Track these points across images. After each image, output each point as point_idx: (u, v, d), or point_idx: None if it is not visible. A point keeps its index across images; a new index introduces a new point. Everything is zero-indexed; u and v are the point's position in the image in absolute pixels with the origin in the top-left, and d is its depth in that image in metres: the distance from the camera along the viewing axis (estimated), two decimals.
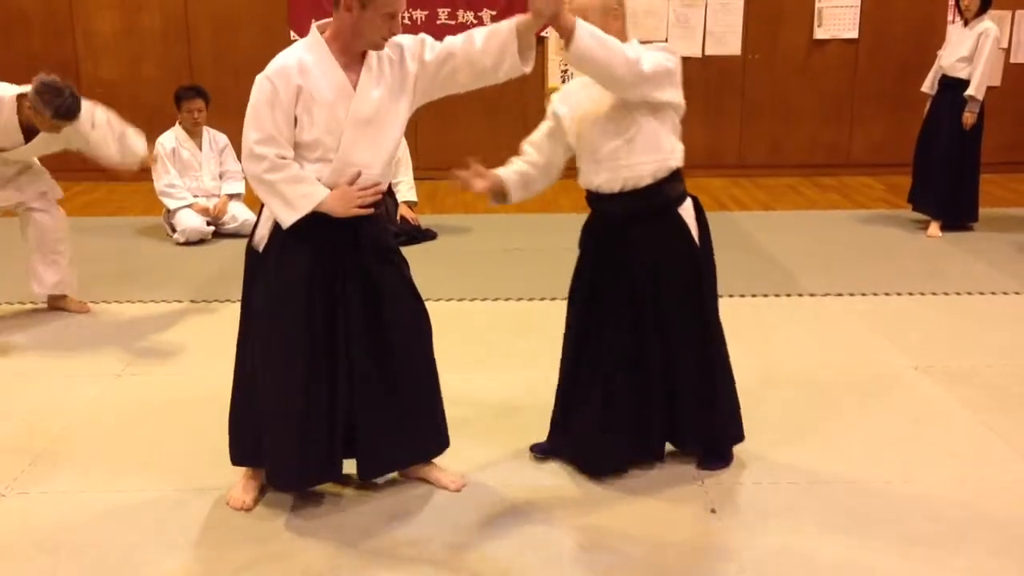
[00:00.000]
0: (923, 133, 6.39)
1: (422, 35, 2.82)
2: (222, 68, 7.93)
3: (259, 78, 2.68)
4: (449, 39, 2.80)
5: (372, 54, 2.73)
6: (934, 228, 6.20)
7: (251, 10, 7.89)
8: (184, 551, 2.70)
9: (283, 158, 2.66)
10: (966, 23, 6.06)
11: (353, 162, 2.71)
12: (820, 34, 8.10)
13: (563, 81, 8.12)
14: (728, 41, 8.07)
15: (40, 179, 4.75)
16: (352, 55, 2.71)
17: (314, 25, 2.75)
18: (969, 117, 6.00)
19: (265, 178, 2.65)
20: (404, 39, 2.78)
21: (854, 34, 8.08)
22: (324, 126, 2.68)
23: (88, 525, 2.83)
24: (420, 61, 2.78)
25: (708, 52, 8.06)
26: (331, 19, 2.72)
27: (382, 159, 2.78)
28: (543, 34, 8.06)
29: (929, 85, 6.33)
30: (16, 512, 2.91)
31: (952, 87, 6.08)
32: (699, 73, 8.08)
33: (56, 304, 4.80)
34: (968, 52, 5.98)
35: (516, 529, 2.79)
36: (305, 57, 2.68)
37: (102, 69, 8.06)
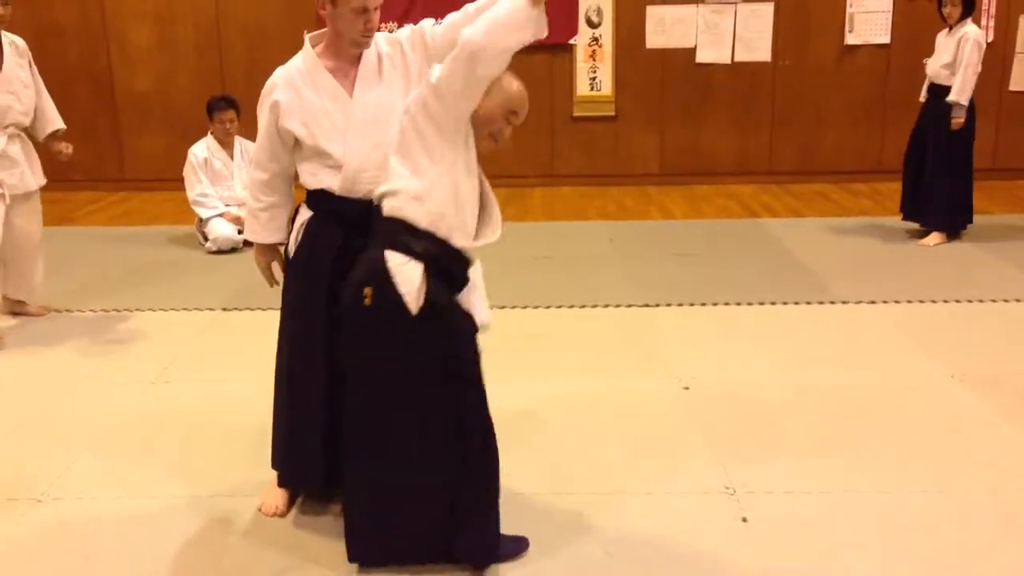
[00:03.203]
0: (913, 142, 6.29)
1: (422, 23, 2.72)
2: (253, 79, 7.93)
3: None
4: (451, 17, 2.66)
5: (370, 55, 2.70)
6: (934, 237, 6.10)
7: (281, 22, 7.96)
8: (217, 557, 2.72)
9: (256, 182, 2.86)
10: (950, 29, 6.02)
11: (362, 168, 2.67)
12: (851, 39, 8.03)
13: (591, 88, 8.12)
14: (758, 47, 8.02)
15: (29, 167, 4.65)
16: (345, 58, 2.69)
17: (306, 36, 2.75)
18: (956, 122, 5.92)
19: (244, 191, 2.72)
20: (403, 32, 2.74)
21: (886, 39, 8.01)
22: (322, 134, 2.67)
23: (122, 531, 2.86)
24: (422, 48, 2.69)
25: (738, 58, 8.01)
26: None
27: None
28: (571, 41, 8.09)
29: (923, 94, 6.26)
30: (51, 517, 2.95)
31: (939, 95, 6.01)
32: (728, 79, 8.05)
33: (16, 309, 4.87)
34: (951, 58, 5.92)
35: (540, 534, 2.78)
36: (293, 67, 2.72)
37: (136, 80, 8.16)
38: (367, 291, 2.40)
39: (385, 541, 2.59)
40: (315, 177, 2.73)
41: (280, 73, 2.76)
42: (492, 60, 2.33)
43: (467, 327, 2.55)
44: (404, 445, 2.51)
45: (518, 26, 2.33)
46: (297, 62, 2.75)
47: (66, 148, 4.80)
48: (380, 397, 2.50)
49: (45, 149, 4.80)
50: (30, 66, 4.69)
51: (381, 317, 2.42)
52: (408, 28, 2.75)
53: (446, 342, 2.46)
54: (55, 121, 4.80)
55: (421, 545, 2.60)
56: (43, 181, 4.79)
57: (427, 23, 2.72)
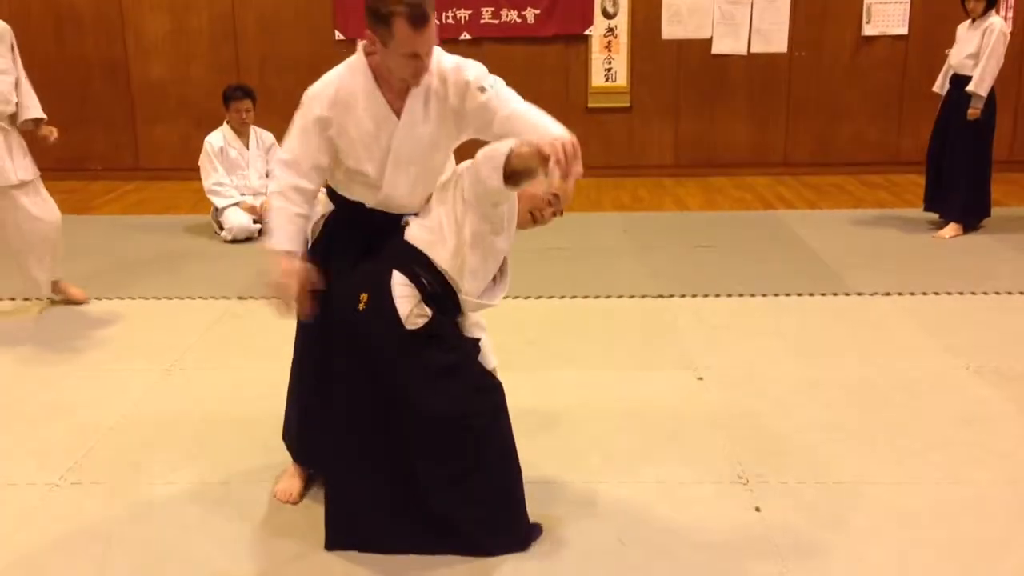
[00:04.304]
0: (935, 133, 6.28)
1: (472, 77, 2.58)
2: (269, 68, 8.02)
3: (304, 97, 2.62)
4: (496, 102, 2.57)
5: (417, 89, 2.59)
6: (950, 229, 6.08)
7: (297, 10, 7.96)
8: (232, 543, 2.74)
9: (297, 189, 2.63)
10: (972, 21, 6.00)
11: (396, 195, 2.66)
12: (868, 30, 7.98)
13: (606, 80, 8.10)
14: (774, 38, 7.98)
15: (21, 158, 4.56)
16: (394, 88, 2.60)
17: (360, 46, 2.62)
18: (972, 112, 5.91)
19: (272, 195, 2.67)
20: (454, 72, 2.59)
21: (903, 30, 7.96)
22: (366, 156, 2.63)
23: (138, 516, 2.88)
24: (460, 100, 2.59)
25: (754, 49, 7.96)
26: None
27: (421, 195, 2.70)
28: (586, 32, 8.07)
29: (940, 85, 6.25)
30: (69, 502, 2.97)
31: (961, 85, 5.99)
32: (744, 71, 8.01)
33: (57, 293, 4.86)
34: (975, 48, 5.90)
35: (554, 522, 2.79)
36: (348, 83, 2.60)
37: (152, 70, 8.18)
38: (363, 296, 2.53)
39: (361, 530, 2.66)
40: (347, 188, 2.74)
41: (335, 85, 2.60)
42: (479, 182, 2.47)
43: (463, 343, 2.67)
44: (379, 440, 2.60)
45: (489, 169, 2.43)
46: (355, 80, 2.60)
47: (51, 133, 4.64)
48: (361, 398, 2.59)
49: (32, 138, 4.68)
50: (12, 51, 4.52)
51: (371, 324, 2.53)
52: (461, 72, 2.59)
53: (438, 354, 2.58)
54: (31, 109, 4.60)
55: (402, 535, 2.65)
56: (30, 175, 4.60)
57: (476, 85, 2.56)
